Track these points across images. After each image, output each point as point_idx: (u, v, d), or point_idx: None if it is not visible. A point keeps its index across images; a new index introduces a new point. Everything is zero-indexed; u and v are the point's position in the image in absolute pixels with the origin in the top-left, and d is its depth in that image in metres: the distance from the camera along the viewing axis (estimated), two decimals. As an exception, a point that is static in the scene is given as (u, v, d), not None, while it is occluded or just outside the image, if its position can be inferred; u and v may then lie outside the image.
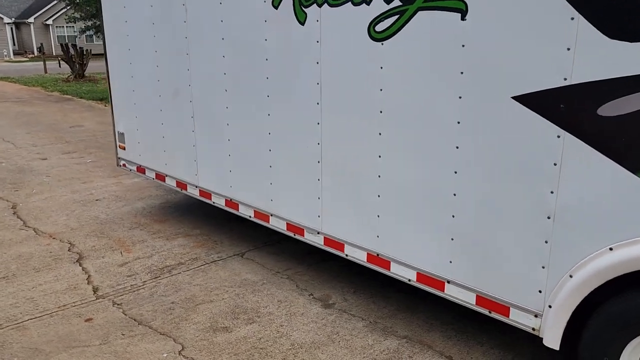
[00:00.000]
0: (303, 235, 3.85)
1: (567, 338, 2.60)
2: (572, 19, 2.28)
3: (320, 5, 3.29)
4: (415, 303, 3.86)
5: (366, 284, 4.15)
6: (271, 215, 4.07)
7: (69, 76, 21.49)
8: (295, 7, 3.45)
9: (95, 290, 4.17)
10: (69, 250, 4.91)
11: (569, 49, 2.31)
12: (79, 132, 10.84)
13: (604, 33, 2.21)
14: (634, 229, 2.27)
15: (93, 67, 22.97)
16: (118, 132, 5.61)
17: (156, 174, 5.20)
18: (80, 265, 4.61)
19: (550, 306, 2.60)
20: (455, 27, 2.67)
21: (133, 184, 7.08)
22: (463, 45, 2.67)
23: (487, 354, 3.28)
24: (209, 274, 4.39)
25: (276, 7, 3.57)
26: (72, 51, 21.09)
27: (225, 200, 4.45)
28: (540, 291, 2.64)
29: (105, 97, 15.91)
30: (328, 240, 3.67)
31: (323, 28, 3.31)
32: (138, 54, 4.98)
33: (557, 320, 2.56)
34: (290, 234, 3.95)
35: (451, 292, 3.01)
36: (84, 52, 21.40)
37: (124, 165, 5.68)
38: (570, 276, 2.50)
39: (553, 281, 2.57)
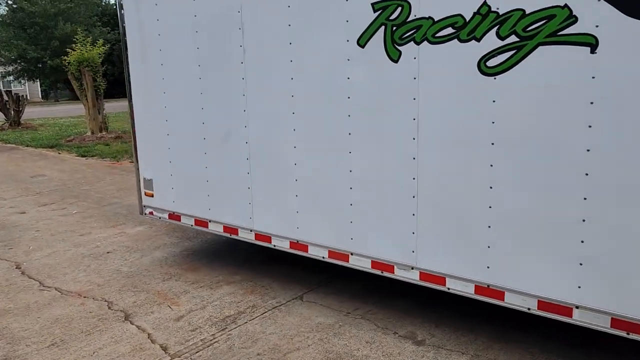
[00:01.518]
0: (393, 272, 3.79)
1: None
2: None
3: (418, 43, 3.34)
4: (502, 331, 3.87)
5: (443, 315, 4.13)
6: (351, 254, 3.98)
7: (3, 124, 20.23)
8: (387, 46, 3.48)
9: (164, 349, 3.87)
10: (109, 309, 4.54)
11: None
12: (45, 182, 10.18)
13: None
14: None
15: (27, 113, 21.84)
16: (144, 178, 5.33)
17: (196, 220, 4.96)
18: (131, 323, 4.27)
19: (698, 322, 2.71)
20: (584, 59, 2.80)
21: (138, 233, 6.71)
22: (593, 77, 2.80)
23: (603, 375, 3.34)
24: (278, 321, 4.20)
25: (362, 46, 3.59)
26: (6, 97, 19.93)
27: (290, 242, 4.31)
28: (684, 308, 2.74)
29: (57, 145, 15.11)
30: (425, 276, 3.63)
31: (421, 64, 3.36)
32: (176, 96, 4.80)
33: None
34: (377, 272, 3.87)
35: (581, 317, 3.05)
36: (20, 99, 20.28)
37: (150, 213, 5.38)
38: None
39: (700, 297, 2.69)
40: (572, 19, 2.81)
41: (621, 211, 2.84)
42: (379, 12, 3.47)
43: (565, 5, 2.81)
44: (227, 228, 4.74)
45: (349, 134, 3.80)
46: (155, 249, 6.03)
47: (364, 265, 3.93)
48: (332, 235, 4.06)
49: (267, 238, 4.47)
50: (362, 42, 3.59)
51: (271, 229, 4.42)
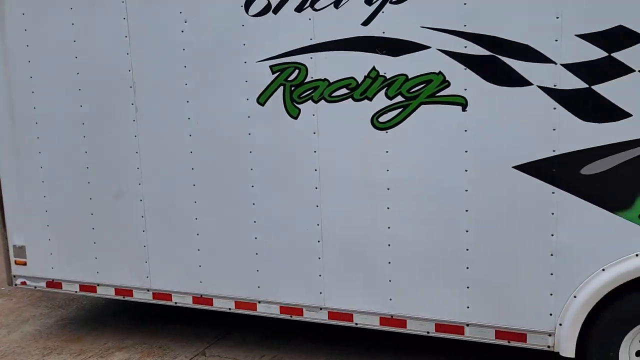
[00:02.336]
0: (302, 315, 4.00)
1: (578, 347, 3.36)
2: (555, 108, 3.20)
3: (316, 102, 3.72)
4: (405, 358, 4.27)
5: (347, 351, 4.41)
6: (259, 302, 4.11)
7: None
8: (286, 104, 3.80)
9: None
10: (-14, 397, 4.05)
11: (554, 130, 3.21)
12: None
13: (579, 117, 3.16)
14: (617, 252, 3.19)
15: None
16: (15, 245, 4.88)
17: (81, 285, 4.67)
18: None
19: (561, 324, 3.35)
20: (457, 116, 3.40)
21: (-6, 308, 5.99)
22: (465, 130, 3.41)
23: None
24: (186, 380, 4.13)
25: (262, 104, 3.87)
26: None
27: (194, 297, 4.30)
28: (550, 314, 3.38)
29: None
30: (334, 314, 3.91)
31: (320, 121, 3.73)
32: (55, 156, 4.56)
33: (570, 332, 3.31)
34: (286, 316, 4.05)
35: (471, 334, 3.56)
36: None
37: (23, 283, 4.91)
38: (575, 297, 3.30)
39: (560, 304, 3.34)
40: (445, 83, 3.41)
41: (498, 239, 3.43)
42: (278, 73, 3.79)
43: (440, 72, 3.40)
44: (120, 290, 4.55)
45: (252, 186, 3.99)
46: (23, 323, 5.45)
47: (273, 311, 4.08)
48: (238, 285, 4.15)
49: (167, 296, 4.39)
50: (262, 100, 3.87)
51: (171, 286, 4.36)
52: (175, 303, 4.39)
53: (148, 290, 4.45)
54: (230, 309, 4.22)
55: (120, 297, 4.58)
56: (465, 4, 3.30)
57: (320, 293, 3.91)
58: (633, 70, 3.03)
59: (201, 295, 4.28)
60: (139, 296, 4.49)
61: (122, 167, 4.37)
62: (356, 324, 3.87)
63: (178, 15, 4.00)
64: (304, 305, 3.98)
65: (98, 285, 4.62)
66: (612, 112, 3.10)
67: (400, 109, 3.53)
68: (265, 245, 4.03)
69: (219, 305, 4.25)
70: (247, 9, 3.81)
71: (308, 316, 3.99)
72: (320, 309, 3.94)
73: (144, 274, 4.43)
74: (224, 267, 4.18)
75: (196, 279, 4.27)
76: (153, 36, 4.11)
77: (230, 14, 3.86)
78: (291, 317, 4.04)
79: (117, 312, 5.54)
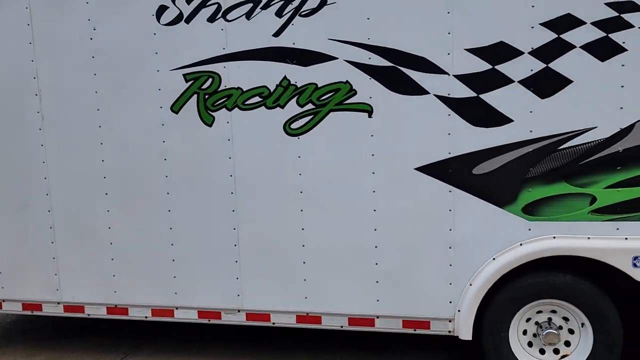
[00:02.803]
0: (220, 318, 4.07)
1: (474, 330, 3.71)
2: (449, 115, 3.54)
3: (230, 110, 3.84)
4: (319, 355, 4.46)
5: (264, 349, 4.53)
6: (176, 309, 4.13)
7: None
8: (200, 112, 3.88)
9: None
10: None
11: (449, 134, 3.55)
12: None
13: (470, 123, 3.52)
14: (505, 243, 3.57)
15: None
16: None
17: (-17, 302, 4.44)
18: None
19: (459, 310, 3.68)
20: (363, 122, 3.66)
21: None
22: (372, 135, 3.67)
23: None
24: (102, 392, 4.06)
25: (176, 112, 3.92)
26: None
27: (108, 308, 4.24)
28: (450, 302, 3.71)
29: None
30: (251, 316, 4.02)
31: (234, 128, 3.85)
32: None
33: (467, 317, 3.66)
34: (204, 321, 4.10)
35: (381, 325, 3.82)
36: None
37: None
38: (471, 284, 3.65)
39: (458, 291, 3.68)
40: (352, 91, 3.65)
41: (404, 234, 3.71)
42: (191, 82, 3.87)
43: (347, 81, 3.65)
44: (27, 305, 4.38)
45: (168, 193, 4.02)
46: None
47: (191, 316, 4.12)
48: (154, 293, 4.15)
49: (79, 308, 4.29)
50: (175, 108, 3.92)
51: (84, 297, 4.27)
52: (88, 315, 4.30)
53: (59, 304, 4.32)
54: (146, 317, 4.20)
55: (29, 312, 4.40)
56: (368, 18, 3.57)
57: (238, 295, 4.01)
58: (513, 81, 3.43)
59: (115, 306, 4.23)
60: (49, 310, 4.35)
61: (29, 177, 4.22)
62: (273, 323, 4.00)
63: (86, 23, 3.97)
64: (222, 309, 4.06)
65: (4, 301, 4.42)
66: (497, 118, 3.48)
67: (311, 116, 3.73)
68: (181, 251, 4.06)
69: (134, 314, 4.21)
70: (158, 17, 3.85)
71: (226, 319, 4.07)
72: (238, 311, 4.03)
73: (54, 287, 4.30)
74: (139, 276, 4.16)
75: (110, 289, 4.21)
76: (60, 43, 4.04)
77: (141, 23, 3.88)
78: (209, 321, 4.10)
79: (25, 328, 5.29)
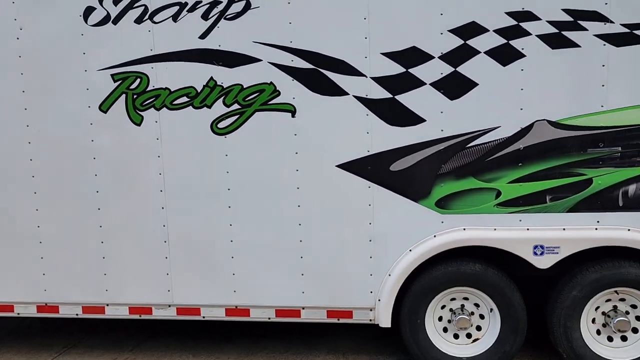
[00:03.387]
0: (151, 314, 4.16)
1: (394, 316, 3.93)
2: (367, 115, 3.75)
3: (158, 109, 3.93)
4: (250, 346, 4.60)
5: (198, 342, 4.64)
6: (107, 305, 4.19)
7: None
8: (129, 111, 3.96)
9: None
10: None
11: (368, 133, 3.77)
12: None
13: (387, 122, 3.74)
14: (420, 235, 3.81)
15: None
16: None
17: None
18: None
19: (379, 300, 3.90)
20: (287, 121, 3.83)
21: None
22: (295, 134, 3.84)
23: (327, 359, 4.35)
24: (31, 391, 4.07)
25: (105, 112, 3.98)
26: None
27: (38, 306, 4.26)
28: (371, 292, 3.92)
29: None
30: (182, 310, 4.12)
31: (163, 127, 3.94)
32: None
33: (386, 306, 3.88)
34: (135, 316, 4.18)
35: (307, 315, 4.00)
36: None
37: None
38: (389, 275, 3.87)
39: (378, 282, 3.90)
40: (276, 92, 3.82)
41: (326, 230, 3.90)
42: (119, 82, 3.94)
43: (271, 82, 3.81)
44: (-47, 306, 4.33)
45: (97, 192, 4.08)
46: None
47: (122, 312, 4.19)
48: (85, 291, 4.19)
49: (9, 307, 4.29)
50: (104, 107, 3.98)
51: (13, 297, 4.27)
52: (18, 314, 4.30)
53: (-14, 304, 4.30)
54: (77, 314, 4.24)
55: (-45, 314, 4.36)
56: (290, 22, 3.74)
57: (168, 291, 4.11)
58: (425, 84, 3.67)
59: (46, 304, 4.25)
60: (-24, 310, 4.32)
61: (-47, 176, 4.19)
62: (204, 317, 4.12)
63: (13, 22, 3.98)
64: (152, 304, 4.15)
65: None
66: (411, 118, 3.72)
67: (237, 116, 3.87)
68: (112, 249, 4.13)
69: (65, 311, 4.25)
70: (85, 18, 3.91)
71: (157, 314, 4.16)
72: (169, 306, 4.13)
73: (-19, 287, 4.28)
74: (69, 274, 4.19)
75: (40, 288, 4.23)
76: (-16, 42, 4.03)
77: (68, 23, 3.93)
78: (140, 316, 4.18)
79: (-47, 332, 5.22)
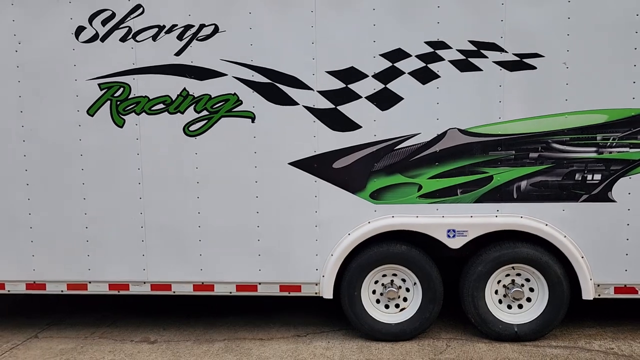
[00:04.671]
0: (128, 289, 4.82)
1: (335, 291, 4.72)
2: (314, 121, 4.57)
3: (138, 114, 4.65)
4: (214, 321, 5.30)
5: (168, 320, 5.32)
6: (89, 283, 4.84)
7: None
8: (113, 115, 4.66)
9: None
10: None
11: (314, 136, 4.58)
12: None
13: (330, 128, 4.56)
14: (357, 221, 4.63)
15: None
16: None
17: None
18: None
19: (323, 276, 4.69)
20: (248, 126, 4.61)
21: None
22: (254, 137, 4.62)
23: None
24: (20, 356, 4.67)
25: (92, 115, 4.68)
26: None
27: (27, 284, 4.86)
28: (317, 269, 4.70)
29: None
30: (155, 286, 4.81)
31: (142, 129, 4.66)
32: None
33: (329, 281, 4.66)
34: (114, 292, 4.84)
35: (263, 290, 4.75)
36: None
37: None
38: (332, 255, 4.67)
39: (323, 261, 4.69)
40: (239, 101, 4.59)
41: (279, 216, 4.67)
42: (105, 90, 4.64)
43: (235, 93, 4.58)
44: (-52, 284, 4.90)
45: (83, 183, 4.74)
46: None
47: (102, 289, 4.84)
48: (70, 270, 4.83)
49: (0, 285, 4.88)
50: (91, 112, 4.67)
51: (4, 276, 4.87)
52: (9, 291, 4.90)
53: (-21, 282, 4.89)
54: (62, 291, 4.87)
55: (-51, 291, 4.92)
56: (251, 44, 4.53)
57: (144, 269, 4.79)
58: (361, 97, 4.51)
59: (34, 282, 4.87)
60: (-30, 288, 4.90)
61: (-47, 169, 4.79)
62: (174, 292, 4.82)
63: (12, 37, 4.64)
64: (129, 281, 4.82)
65: None
66: (349, 125, 4.54)
67: (206, 121, 4.63)
68: (95, 233, 4.79)
69: (51, 289, 4.87)
70: (77, 36, 4.61)
71: (134, 290, 4.83)
72: (144, 282, 4.81)
73: (-25, 267, 4.86)
74: (56, 255, 4.82)
75: (29, 268, 4.84)
76: (-13, 53, 4.68)
77: (61, 39, 4.62)
78: (119, 292, 4.84)
79: (-60, 314, 5.73)
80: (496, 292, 4.70)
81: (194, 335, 5.02)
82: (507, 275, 4.67)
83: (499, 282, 4.69)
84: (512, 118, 4.44)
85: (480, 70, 4.42)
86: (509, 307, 4.71)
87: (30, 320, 5.46)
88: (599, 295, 4.54)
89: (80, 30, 4.61)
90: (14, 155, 4.76)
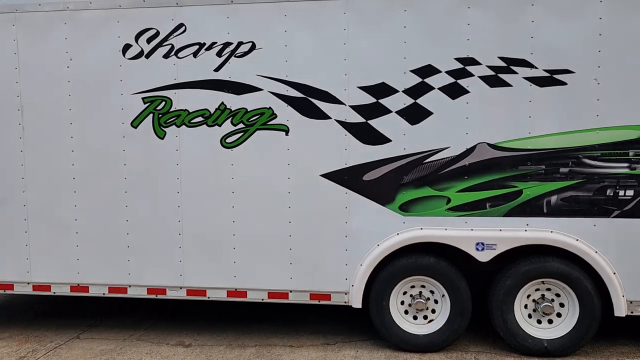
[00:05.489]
0: (165, 294, 5.04)
1: (364, 300, 4.81)
2: (346, 135, 4.71)
3: (179, 126, 4.90)
4: (246, 326, 5.46)
5: (203, 324, 5.51)
6: (129, 287, 5.08)
7: None
8: (155, 127, 4.92)
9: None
10: None
11: (346, 149, 4.72)
12: None
13: (361, 141, 4.70)
14: (386, 232, 4.73)
15: None
16: None
17: (-39, 283, 5.26)
18: None
19: (353, 285, 4.79)
20: (282, 138, 4.79)
21: None
22: (288, 149, 4.80)
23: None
24: (63, 355, 4.92)
25: (135, 127, 4.95)
26: None
27: (71, 286, 5.14)
28: (346, 279, 4.82)
29: None
30: (191, 291, 5.01)
31: (181, 141, 4.90)
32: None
33: (358, 290, 4.77)
34: (152, 296, 5.06)
35: (294, 298, 4.89)
36: None
37: None
38: (361, 265, 4.77)
39: (352, 270, 4.80)
40: (274, 115, 4.78)
41: (311, 227, 4.81)
42: (148, 104, 4.91)
43: (270, 107, 4.78)
44: (1, 285, 5.21)
45: (125, 192, 5.01)
46: None
47: (141, 293, 5.07)
48: (111, 274, 5.08)
49: (47, 287, 5.17)
50: (135, 124, 4.95)
51: (51, 278, 5.16)
52: (54, 293, 5.18)
53: (28, 284, 5.18)
54: (104, 293, 5.12)
55: (2, 291, 5.24)
56: (286, 60, 4.73)
57: (180, 275, 5.00)
58: (391, 111, 4.64)
59: (78, 284, 5.13)
60: (19, 289, 5.20)
61: (8, 177, 5.12)
62: (209, 297, 5.00)
63: (64, 54, 4.98)
64: (167, 286, 5.03)
65: (-21, 282, 5.24)
66: (379, 138, 4.67)
67: (242, 133, 4.83)
68: (135, 239, 5.03)
69: (94, 291, 5.13)
70: (124, 53, 4.91)
71: (171, 295, 5.04)
72: (180, 287, 5.02)
73: (25, 269, 5.17)
74: (99, 259, 5.09)
75: (74, 271, 5.12)
76: (41, 69, 5.02)
77: (109, 56, 4.93)
78: (157, 296, 5.06)
79: (-9, 313, 6.08)
80: (525, 306, 4.70)
81: (227, 340, 5.18)
82: (537, 289, 4.68)
83: (528, 296, 4.69)
84: (542, 133, 4.48)
85: (510, 85, 4.49)
86: (539, 321, 4.70)
87: (72, 321, 5.74)
88: (632, 312, 4.50)
89: (127, 47, 4.91)
90: (64, 164, 5.06)
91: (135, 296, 5.09)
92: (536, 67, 4.45)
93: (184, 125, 4.90)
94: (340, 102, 4.69)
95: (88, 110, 5.02)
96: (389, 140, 4.67)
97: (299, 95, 4.74)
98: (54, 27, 4.99)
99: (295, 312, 5.70)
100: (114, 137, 4.99)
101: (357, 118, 4.69)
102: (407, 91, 4.61)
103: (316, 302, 4.89)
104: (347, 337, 5.21)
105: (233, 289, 4.96)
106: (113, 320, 5.74)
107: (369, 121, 4.68)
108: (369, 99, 4.66)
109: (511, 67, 4.49)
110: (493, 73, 4.51)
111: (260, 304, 4.96)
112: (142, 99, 4.92)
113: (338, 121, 4.71)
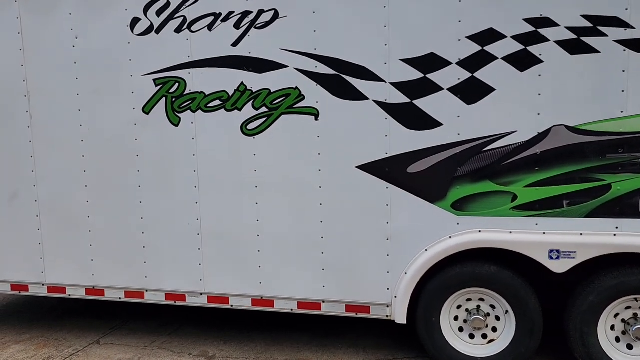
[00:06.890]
0: (184, 301, 4.49)
1: (410, 314, 4.06)
2: (386, 119, 3.91)
3: (194, 111, 4.26)
4: (276, 337, 4.85)
5: (228, 333, 4.94)
6: (146, 291, 4.56)
7: None
8: (168, 113, 4.31)
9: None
10: None
11: (386, 136, 3.92)
12: None
13: (405, 126, 3.88)
14: (436, 235, 3.92)
15: None
16: None
17: (-23, 283, 4.94)
18: None
19: (396, 297, 4.04)
20: (311, 124, 4.05)
21: None
22: (318, 136, 4.05)
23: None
24: (78, 365, 4.51)
25: (147, 113, 4.36)
26: None
27: (86, 289, 4.69)
28: (388, 289, 4.07)
29: None
30: (212, 298, 4.43)
31: (198, 128, 4.27)
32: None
33: (402, 303, 4.01)
34: (171, 302, 4.53)
35: (327, 309, 4.20)
36: None
37: None
38: (406, 273, 4.00)
39: (395, 279, 4.04)
40: (301, 97, 4.04)
41: (346, 227, 4.08)
42: (160, 86, 4.30)
43: (296, 87, 4.04)
44: (15, 286, 4.86)
45: (139, 186, 4.46)
46: None
47: (159, 298, 4.55)
48: (127, 276, 4.59)
49: (61, 289, 4.75)
50: (147, 109, 4.35)
51: (66, 280, 4.73)
52: (69, 295, 4.76)
53: (43, 285, 4.79)
54: (120, 298, 4.64)
55: (16, 292, 4.88)
56: (315, 30, 3.96)
57: (201, 280, 4.43)
58: (442, 89, 3.78)
59: (93, 287, 4.68)
60: (34, 290, 4.83)
61: (18, 170, 4.70)
62: (232, 305, 4.41)
63: (69, 32, 4.43)
64: (186, 292, 4.48)
65: (-5, 282, 4.91)
66: (428, 122, 3.84)
67: (265, 118, 4.13)
68: (151, 239, 4.49)
69: (110, 295, 4.66)
70: (132, 28, 4.30)
71: (190, 301, 4.49)
72: (201, 294, 4.45)
73: (39, 270, 4.77)
74: (114, 260, 4.60)
75: (89, 272, 4.66)
76: (46, 50, 4.51)
77: (117, 33, 4.33)
78: (175, 302, 4.52)
79: (18, 311, 5.80)
80: (612, 327, 3.79)
81: (255, 352, 4.59)
82: (628, 307, 3.75)
83: (616, 315, 3.78)
84: (639, 112, 3.50)
85: (597, 52, 3.53)
86: (629, 347, 3.78)
87: (95, 322, 5.35)
88: None
89: (135, 22, 4.30)
90: (73, 155, 4.57)
91: (153, 302, 4.58)
92: (633, 27, 3.45)
93: (199, 110, 4.25)
94: (379, 79, 3.88)
95: (97, 95, 4.47)
96: (439, 124, 3.83)
97: (331, 72, 3.96)
98: (57, 1, 4.44)
99: (331, 321, 5.02)
100: (125, 124, 4.43)
101: (401, 98, 3.87)
102: (462, 63, 3.73)
103: (353, 314, 4.18)
104: (391, 352, 4.48)
105: (259, 297, 4.34)
106: (136, 323, 5.29)
107: (414, 101, 3.85)
108: (415, 74, 3.82)
109: (599, 27, 3.51)
110: (574, 36, 3.55)
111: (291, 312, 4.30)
112: (154, 80, 4.31)
113: (377, 102, 3.91)
